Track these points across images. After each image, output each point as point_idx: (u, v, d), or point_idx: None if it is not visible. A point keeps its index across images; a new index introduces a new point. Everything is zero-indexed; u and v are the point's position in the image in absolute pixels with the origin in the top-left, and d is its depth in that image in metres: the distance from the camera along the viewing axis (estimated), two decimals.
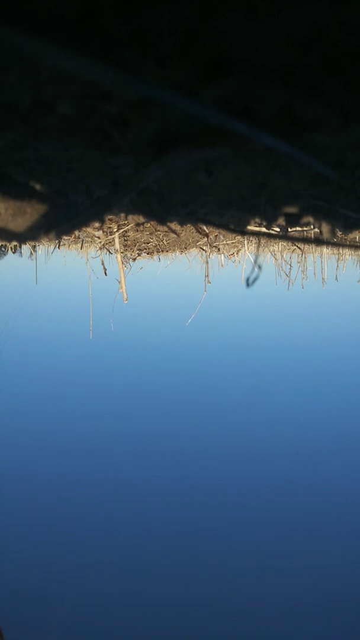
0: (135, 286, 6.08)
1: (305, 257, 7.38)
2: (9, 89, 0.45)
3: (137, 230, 5.84)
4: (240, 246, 6.88)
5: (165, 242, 6.47)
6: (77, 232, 5.44)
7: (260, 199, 0.85)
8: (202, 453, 3.42)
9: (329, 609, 2.30)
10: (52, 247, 6.84)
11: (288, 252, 7.63)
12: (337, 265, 7.31)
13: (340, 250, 7.06)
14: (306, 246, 6.87)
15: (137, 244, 6.34)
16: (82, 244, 6.47)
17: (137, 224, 5.02)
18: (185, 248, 6.79)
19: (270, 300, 6.70)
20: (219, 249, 7.02)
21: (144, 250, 6.54)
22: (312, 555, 2.59)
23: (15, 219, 0.80)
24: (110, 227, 5.19)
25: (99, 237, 5.65)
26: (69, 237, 5.82)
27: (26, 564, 2.47)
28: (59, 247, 6.80)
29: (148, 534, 2.71)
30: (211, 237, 6.05)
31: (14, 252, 7.06)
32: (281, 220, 0.95)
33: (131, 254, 6.45)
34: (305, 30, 0.37)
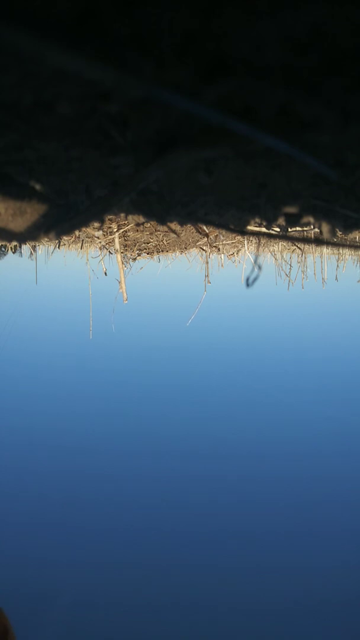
0: (135, 286, 6.09)
1: (305, 257, 7.38)
2: (9, 89, 0.45)
3: (137, 230, 5.84)
4: (240, 246, 6.89)
5: (165, 242, 6.47)
6: (77, 232, 5.44)
7: (260, 199, 0.85)
8: (201, 453, 3.42)
9: (329, 609, 2.30)
10: (52, 247, 6.84)
11: (288, 252, 7.63)
12: (337, 265, 7.31)
13: (340, 250, 7.06)
14: (306, 246, 6.87)
15: (137, 244, 6.34)
16: (82, 244, 6.47)
17: (137, 224, 5.02)
18: (185, 248, 6.80)
19: (270, 300, 6.70)
20: (219, 249, 7.02)
21: (144, 250, 6.54)
22: (312, 556, 2.59)
23: (15, 219, 0.80)
24: (110, 227, 5.19)
25: (99, 237, 5.64)
26: (69, 237, 5.82)
27: (24, 563, 2.47)
28: (59, 247, 6.80)
29: (148, 534, 2.71)
30: (211, 237, 6.05)
31: (14, 252, 7.06)
32: (281, 220, 0.95)
33: (131, 254, 6.46)
34: (305, 30, 0.37)
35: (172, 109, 0.47)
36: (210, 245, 6.68)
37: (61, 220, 0.80)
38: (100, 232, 5.37)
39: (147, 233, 6.04)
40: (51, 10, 0.34)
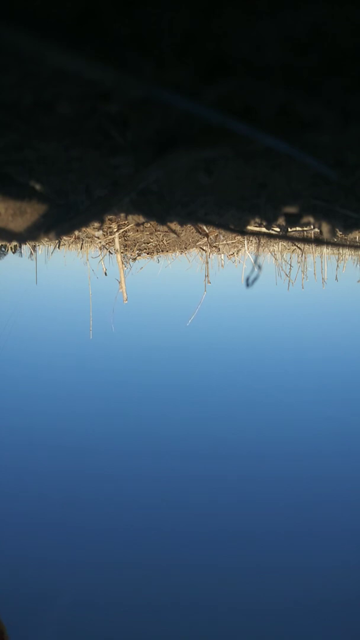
0: (135, 286, 6.09)
1: (305, 257, 7.38)
2: (9, 89, 0.45)
3: (137, 230, 5.84)
4: (240, 246, 6.89)
5: (165, 242, 6.47)
6: (77, 232, 5.44)
7: (260, 199, 0.85)
8: (201, 453, 3.42)
9: (329, 609, 2.30)
10: (52, 247, 6.84)
11: (288, 252, 7.64)
12: (337, 265, 7.31)
13: (340, 250, 7.07)
14: (306, 246, 6.87)
15: (137, 244, 6.34)
16: (82, 244, 6.47)
17: (137, 224, 5.02)
18: (185, 248, 6.80)
19: (270, 300, 6.70)
20: (219, 249, 7.02)
21: (144, 250, 6.54)
22: (312, 556, 2.59)
23: (15, 219, 0.80)
24: (110, 227, 5.19)
25: (99, 237, 5.65)
26: (69, 237, 5.83)
27: (24, 563, 2.47)
28: (59, 247, 6.80)
29: (148, 534, 2.71)
30: (211, 237, 6.05)
31: (14, 252, 7.07)
32: (281, 220, 0.95)
33: (131, 254, 6.46)
34: (305, 30, 0.37)
35: (172, 109, 0.47)
36: (210, 245, 6.68)
37: (61, 220, 0.80)
38: (100, 232, 5.37)
39: (147, 233, 6.04)
40: (51, 10, 0.34)
